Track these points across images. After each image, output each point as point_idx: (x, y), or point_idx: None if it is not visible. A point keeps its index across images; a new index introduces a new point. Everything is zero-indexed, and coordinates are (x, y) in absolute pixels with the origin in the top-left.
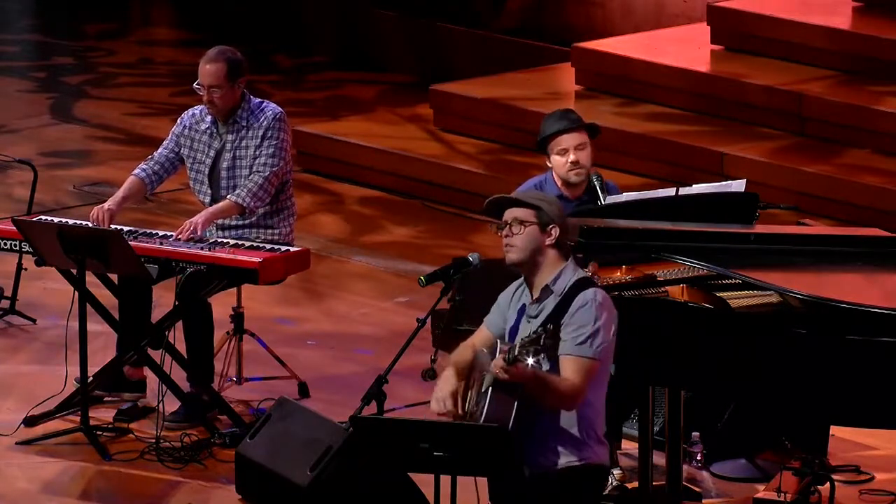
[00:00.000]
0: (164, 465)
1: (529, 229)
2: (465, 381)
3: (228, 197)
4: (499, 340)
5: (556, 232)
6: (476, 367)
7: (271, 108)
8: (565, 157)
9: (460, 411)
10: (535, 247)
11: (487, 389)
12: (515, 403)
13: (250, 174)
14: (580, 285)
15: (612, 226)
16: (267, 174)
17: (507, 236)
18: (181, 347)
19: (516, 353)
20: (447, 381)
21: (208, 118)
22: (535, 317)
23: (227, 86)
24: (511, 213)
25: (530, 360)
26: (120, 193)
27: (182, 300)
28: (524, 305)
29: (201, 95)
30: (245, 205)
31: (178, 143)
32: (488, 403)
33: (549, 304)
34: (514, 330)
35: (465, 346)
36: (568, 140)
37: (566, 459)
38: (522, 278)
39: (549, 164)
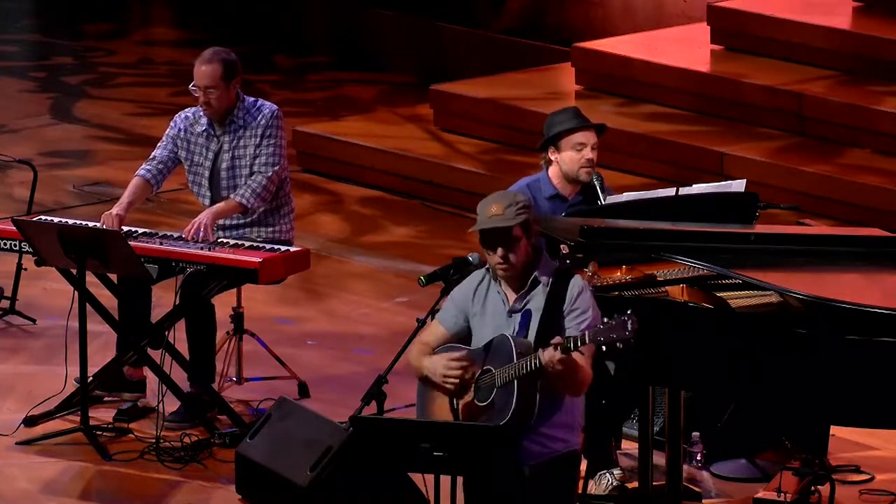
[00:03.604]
0: (164, 465)
1: (523, 244)
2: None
3: (232, 196)
4: (510, 338)
5: (537, 227)
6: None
7: (268, 106)
8: (581, 154)
9: (468, 376)
10: (527, 253)
11: (511, 383)
12: (538, 396)
13: (250, 174)
14: (563, 272)
15: (612, 226)
16: (269, 174)
17: (501, 257)
18: (181, 347)
19: (586, 340)
20: (436, 358)
21: (203, 120)
22: (521, 309)
23: (223, 87)
24: (504, 239)
25: (620, 346)
26: (125, 198)
27: (185, 300)
28: (501, 301)
29: (197, 97)
30: (249, 205)
31: (176, 144)
32: (516, 398)
33: (539, 293)
34: (511, 326)
35: (419, 344)
36: (587, 137)
37: (559, 446)
38: (480, 275)
39: (553, 159)
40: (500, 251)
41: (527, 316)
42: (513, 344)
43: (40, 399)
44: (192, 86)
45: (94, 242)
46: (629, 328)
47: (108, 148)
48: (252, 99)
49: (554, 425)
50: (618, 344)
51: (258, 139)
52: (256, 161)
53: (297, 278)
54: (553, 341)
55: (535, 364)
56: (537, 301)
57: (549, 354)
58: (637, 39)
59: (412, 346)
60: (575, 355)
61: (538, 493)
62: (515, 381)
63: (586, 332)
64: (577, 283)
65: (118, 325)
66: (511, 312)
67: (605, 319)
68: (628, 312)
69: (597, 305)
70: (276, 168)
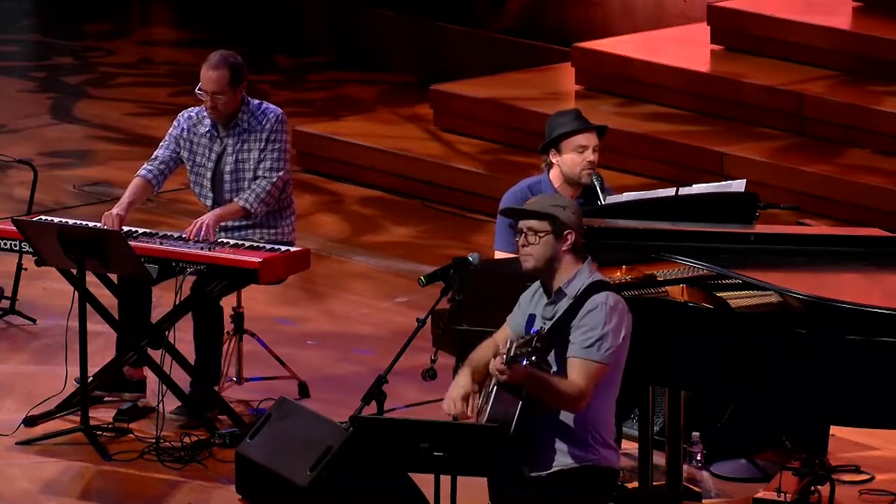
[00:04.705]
0: (164, 465)
1: (545, 239)
2: (480, 383)
3: (236, 200)
4: (508, 342)
5: (572, 237)
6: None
7: (272, 109)
8: (583, 156)
9: (470, 413)
10: (551, 255)
11: (493, 389)
12: (520, 404)
13: (254, 177)
14: (594, 288)
15: (612, 226)
16: (274, 180)
17: (522, 245)
18: (181, 347)
19: (513, 353)
20: (462, 382)
21: (207, 121)
22: (550, 318)
23: (230, 92)
24: (526, 223)
25: (524, 362)
26: (126, 198)
27: (199, 302)
28: (536, 312)
29: (203, 101)
30: (253, 210)
31: (178, 144)
32: (492, 403)
33: (563, 306)
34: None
35: (487, 345)
36: (588, 139)
37: (568, 461)
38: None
39: (554, 162)
40: (521, 238)
41: (531, 322)
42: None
43: (40, 399)
44: (199, 89)
45: (94, 242)
46: (532, 344)
47: (108, 148)
48: (256, 102)
49: (557, 438)
50: (524, 359)
51: (263, 143)
52: (261, 165)
53: (297, 278)
54: (500, 350)
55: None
56: (562, 312)
57: (492, 363)
58: (637, 39)
59: (483, 343)
60: (575, 368)
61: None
62: (495, 388)
63: (513, 345)
64: (595, 299)
65: (118, 325)
66: (544, 320)
67: (522, 336)
68: (541, 328)
69: (620, 324)
70: (280, 173)
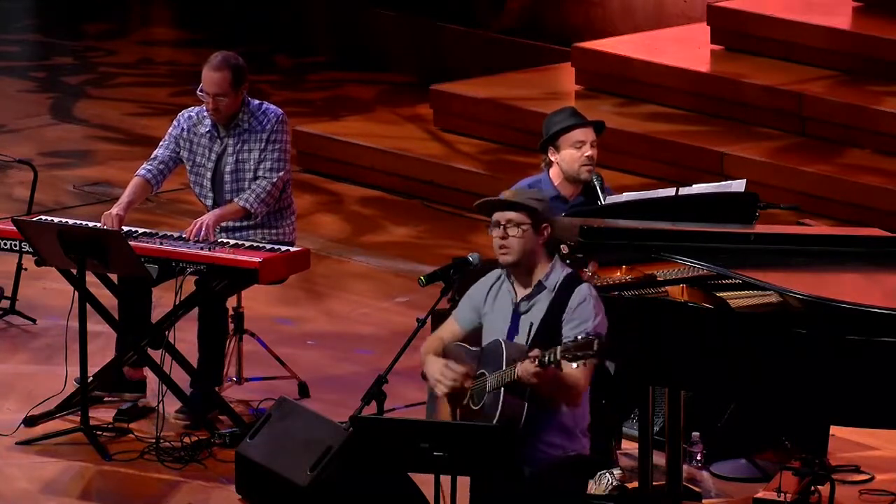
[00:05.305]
0: (164, 465)
1: (526, 232)
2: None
3: (236, 200)
4: (502, 342)
5: (547, 231)
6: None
7: (272, 110)
8: (581, 151)
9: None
10: (530, 248)
11: (499, 389)
12: (526, 403)
13: (254, 177)
14: (572, 280)
15: (612, 226)
16: (275, 180)
17: (502, 238)
18: (181, 348)
19: (557, 356)
20: (438, 363)
21: (207, 121)
22: (526, 312)
23: (232, 93)
24: (505, 216)
25: (576, 365)
26: (125, 198)
27: (198, 301)
28: (510, 301)
29: (205, 102)
30: (253, 210)
31: (178, 144)
32: (501, 404)
33: (543, 299)
34: (513, 329)
35: (434, 338)
36: (586, 134)
37: (558, 452)
38: (497, 274)
39: (553, 160)
40: (500, 230)
41: (517, 319)
42: (504, 349)
43: (40, 399)
44: (200, 91)
45: (94, 242)
46: (595, 347)
47: (108, 148)
48: (256, 102)
49: (552, 432)
50: (585, 361)
51: (263, 143)
52: (261, 166)
53: (297, 278)
54: (531, 354)
55: (514, 375)
56: (541, 306)
57: (523, 367)
58: (637, 39)
59: (429, 339)
60: (566, 367)
61: (537, 497)
62: (501, 389)
63: (557, 348)
64: (581, 292)
65: (118, 325)
66: (514, 314)
67: (577, 337)
68: (598, 333)
69: (605, 315)
70: (280, 173)
